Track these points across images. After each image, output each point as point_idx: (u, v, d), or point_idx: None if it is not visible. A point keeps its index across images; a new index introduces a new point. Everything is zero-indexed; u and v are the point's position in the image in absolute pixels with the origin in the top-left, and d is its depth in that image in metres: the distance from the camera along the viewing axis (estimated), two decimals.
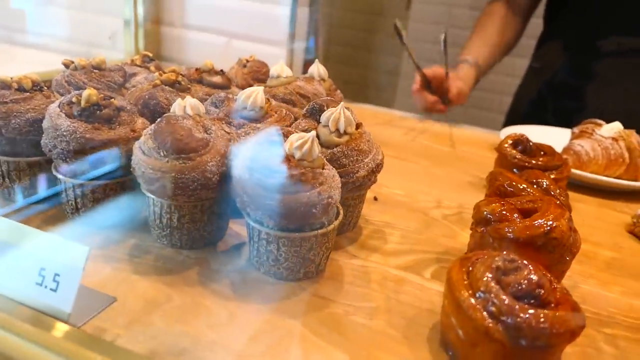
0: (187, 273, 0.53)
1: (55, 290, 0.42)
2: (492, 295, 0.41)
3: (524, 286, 0.42)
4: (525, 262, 0.44)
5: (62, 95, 0.66)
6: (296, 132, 0.52)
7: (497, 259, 0.44)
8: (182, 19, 1.39)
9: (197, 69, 0.74)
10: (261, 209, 0.48)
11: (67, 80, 0.66)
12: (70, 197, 0.57)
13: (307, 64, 1.36)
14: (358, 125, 0.61)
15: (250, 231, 0.52)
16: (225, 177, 0.51)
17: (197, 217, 0.54)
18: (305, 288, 0.52)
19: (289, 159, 0.48)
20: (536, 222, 0.51)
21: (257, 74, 0.83)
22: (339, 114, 0.58)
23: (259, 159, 0.47)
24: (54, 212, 0.61)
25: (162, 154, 0.49)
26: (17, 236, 0.45)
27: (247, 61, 0.85)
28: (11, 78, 0.59)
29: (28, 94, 0.58)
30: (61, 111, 0.54)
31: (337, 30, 2.07)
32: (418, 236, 0.66)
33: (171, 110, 0.54)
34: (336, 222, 0.52)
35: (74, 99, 0.54)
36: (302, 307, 0.49)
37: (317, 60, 0.81)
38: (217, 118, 0.55)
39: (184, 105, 0.53)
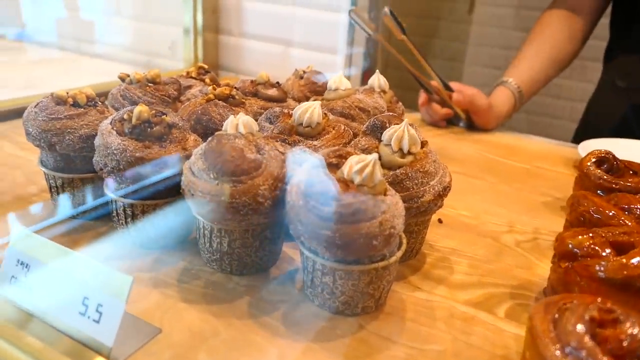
0: (236, 303, 0.49)
1: (97, 322, 0.40)
2: (586, 353, 0.35)
3: (625, 343, 0.35)
4: (627, 313, 0.37)
5: (116, 109, 0.65)
6: (356, 152, 0.48)
7: (591, 307, 0.38)
8: (240, 28, 1.39)
9: (252, 82, 0.72)
10: (316, 239, 0.43)
11: (122, 94, 0.65)
12: (120, 215, 0.55)
13: (366, 73, 1.31)
14: (423, 144, 0.56)
15: (305, 261, 0.48)
16: (278, 201, 0.47)
17: (248, 242, 0.51)
18: (364, 325, 0.47)
19: (347, 184, 0.43)
20: (634, 259, 0.44)
21: (314, 85, 0.79)
22: (402, 132, 0.52)
23: (314, 183, 0.43)
24: (105, 229, 0.59)
25: (212, 176, 0.46)
26: (63, 261, 0.43)
27: (304, 72, 0.81)
28: (67, 93, 0.58)
29: (82, 109, 0.57)
30: (112, 128, 0.52)
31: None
32: (488, 266, 0.60)
33: (223, 128, 0.51)
34: (399, 254, 0.47)
35: (125, 116, 0.52)
36: (361, 348, 0.45)
37: (377, 71, 0.77)
38: (270, 136, 0.51)
39: (237, 123, 0.50)
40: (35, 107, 0.57)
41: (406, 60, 0.99)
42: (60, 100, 0.57)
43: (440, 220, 0.69)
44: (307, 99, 0.78)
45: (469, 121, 1.10)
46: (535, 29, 1.14)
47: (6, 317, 0.43)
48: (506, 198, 0.79)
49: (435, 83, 1.04)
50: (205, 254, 0.53)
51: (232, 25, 1.40)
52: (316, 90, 0.79)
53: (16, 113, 0.95)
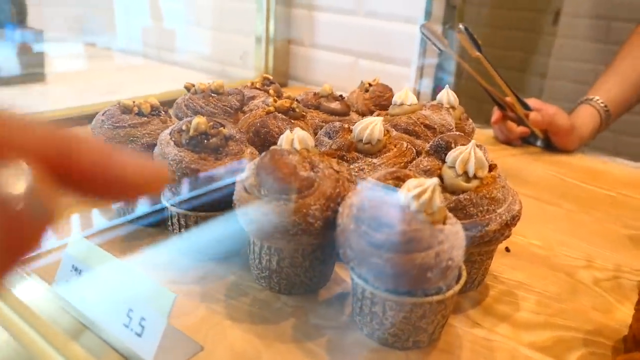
0: (282, 324, 0.47)
1: (140, 335, 0.40)
2: None
3: None
4: None
5: (180, 118, 0.66)
6: (415, 175, 0.45)
7: None
8: (311, 38, 1.39)
9: (315, 94, 0.70)
10: (366, 266, 0.41)
11: (186, 104, 0.66)
12: (174, 225, 0.55)
13: (437, 87, 1.27)
14: (491, 167, 0.51)
15: (354, 287, 0.45)
16: (330, 221, 0.45)
17: (297, 262, 0.49)
18: None
19: (403, 210, 0.40)
20: None
21: (380, 99, 0.76)
22: (468, 154, 0.49)
23: (367, 207, 0.41)
24: (160, 237, 0.60)
25: (262, 192, 0.45)
26: (113, 270, 0.43)
27: (370, 85, 0.79)
28: (133, 102, 0.60)
29: (146, 118, 0.58)
30: (171, 139, 0.52)
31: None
32: (560, 305, 0.54)
33: (278, 143, 0.49)
34: (456, 287, 0.44)
35: (183, 127, 0.52)
36: None
37: (447, 86, 0.73)
38: (327, 152, 0.49)
39: (292, 138, 0.48)
40: (102, 115, 0.59)
41: (480, 75, 0.94)
42: (126, 109, 0.58)
43: (507, 249, 0.64)
44: (372, 112, 0.75)
45: (548, 141, 1.03)
46: (627, 43, 1.05)
47: (56, 322, 0.43)
48: (585, 228, 0.72)
49: (510, 99, 0.98)
50: (254, 270, 0.52)
51: (303, 35, 1.40)
52: (381, 104, 0.76)
53: (92, 117, 1.00)
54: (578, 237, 0.69)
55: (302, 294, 0.52)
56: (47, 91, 1.34)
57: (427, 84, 1.21)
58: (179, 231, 0.55)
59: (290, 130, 0.50)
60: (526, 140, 1.06)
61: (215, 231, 0.54)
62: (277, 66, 1.42)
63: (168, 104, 1.12)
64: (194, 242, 0.54)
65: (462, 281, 0.45)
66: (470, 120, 0.75)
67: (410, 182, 0.41)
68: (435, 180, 0.41)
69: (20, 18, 1.35)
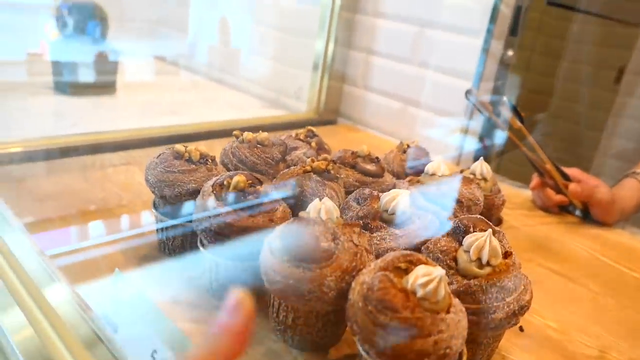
0: None
1: None
2: None
3: None
4: None
5: (225, 164, 0.72)
6: (427, 260, 0.48)
7: None
8: (365, 80, 1.43)
9: (352, 153, 0.74)
10: (368, 343, 0.44)
11: (232, 151, 0.71)
12: (207, 268, 0.60)
13: (483, 146, 1.28)
14: (507, 255, 0.53)
15: (359, 355, 0.48)
16: (344, 292, 0.49)
17: (311, 322, 0.53)
18: None
19: (408, 295, 0.43)
20: None
21: (416, 163, 0.80)
22: (483, 241, 0.51)
23: (375, 288, 0.44)
24: (194, 274, 0.65)
25: (285, 257, 0.49)
26: (143, 310, 0.48)
27: (408, 146, 0.82)
28: (185, 148, 0.66)
29: (194, 166, 0.64)
30: (212, 191, 0.58)
31: (529, 95, 1.90)
32: None
33: (307, 209, 0.54)
34: None
35: (225, 182, 0.58)
36: None
37: (481, 158, 0.75)
38: (350, 223, 0.53)
39: (319, 208, 0.52)
40: (157, 158, 0.65)
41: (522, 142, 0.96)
42: (178, 155, 0.64)
43: (521, 329, 0.65)
44: (406, 175, 0.78)
45: (587, 212, 1.02)
46: None
47: (76, 329, 0.49)
48: (607, 315, 0.72)
49: (549, 166, 0.99)
50: (272, 322, 0.56)
51: (357, 76, 1.45)
52: (417, 168, 0.79)
53: (152, 142, 1.08)
54: (598, 323, 0.69)
55: (314, 350, 0.55)
56: (115, 105, 1.45)
57: (471, 141, 1.23)
58: (209, 275, 0.60)
59: (320, 198, 0.54)
60: (565, 209, 1.05)
61: (242, 280, 0.59)
62: (328, 103, 1.47)
63: (219, 133, 1.19)
64: (222, 288, 0.59)
65: None
66: (502, 193, 0.77)
67: (420, 270, 0.45)
68: (441, 272, 0.44)
69: (102, 31, 1.47)
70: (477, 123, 1.27)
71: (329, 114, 1.49)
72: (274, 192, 0.59)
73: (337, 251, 0.49)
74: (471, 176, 0.73)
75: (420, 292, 0.43)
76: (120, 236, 0.72)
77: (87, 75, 1.46)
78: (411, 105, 1.34)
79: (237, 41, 1.88)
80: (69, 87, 1.39)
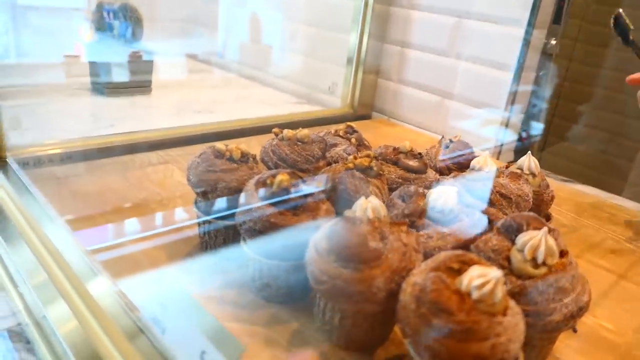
0: None
1: None
2: None
3: None
4: None
5: (265, 162, 0.71)
6: (480, 260, 0.46)
7: None
8: (400, 74, 1.41)
9: (394, 149, 0.73)
10: (421, 346, 0.42)
11: (272, 149, 0.71)
12: (250, 268, 0.60)
13: (523, 139, 1.24)
14: (563, 254, 0.51)
15: (409, 357, 0.47)
16: (393, 292, 0.47)
17: (358, 322, 0.51)
18: None
19: (463, 297, 0.42)
20: None
21: (459, 157, 0.77)
22: (538, 240, 0.49)
23: (429, 290, 0.43)
24: (235, 275, 0.64)
25: (331, 257, 0.48)
26: (192, 313, 0.48)
27: (451, 141, 0.80)
28: (226, 146, 0.65)
29: (235, 164, 0.63)
30: (256, 190, 0.57)
31: (573, 85, 1.83)
32: None
33: (352, 208, 0.52)
34: None
35: (268, 181, 0.57)
36: None
37: (529, 152, 0.72)
38: (397, 222, 0.51)
39: (366, 207, 0.51)
40: (198, 157, 0.65)
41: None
42: (219, 154, 0.64)
43: (574, 330, 0.62)
44: (450, 171, 0.76)
45: None
46: None
47: (137, 347, 0.49)
48: None
49: None
50: (317, 322, 0.55)
51: (392, 70, 1.43)
52: (460, 163, 0.77)
53: (189, 140, 1.09)
54: None
55: (360, 351, 0.54)
56: (151, 104, 1.47)
57: (510, 134, 1.20)
58: (253, 275, 0.59)
59: (365, 197, 0.52)
60: None
61: (286, 279, 0.58)
62: (363, 98, 1.45)
63: (255, 130, 1.19)
64: (265, 287, 0.59)
65: None
66: (551, 188, 0.74)
67: (474, 270, 0.43)
68: (498, 273, 0.42)
69: (136, 32, 1.49)
70: (517, 116, 1.23)
71: (364, 108, 1.47)
72: (317, 190, 0.58)
73: (386, 251, 0.48)
74: (518, 171, 0.70)
75: (475, 294, 0.42)
76: (161, 233, 0.72)
77: (122, 76, 1.48)
78: (448, 98, 1.31)
79: (268, 37, 1.88)
80: (105, 88, 1.42)
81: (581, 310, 0.50)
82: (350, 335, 0.53)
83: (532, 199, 0.67)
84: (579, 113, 1.76)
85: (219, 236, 0.66)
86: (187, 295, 0.50)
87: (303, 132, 0.71)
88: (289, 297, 0.60)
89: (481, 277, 0.42)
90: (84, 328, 0.51)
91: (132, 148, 1.01)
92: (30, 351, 0.54)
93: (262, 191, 0.57)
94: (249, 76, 1.90)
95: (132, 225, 0.76)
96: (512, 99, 1.18)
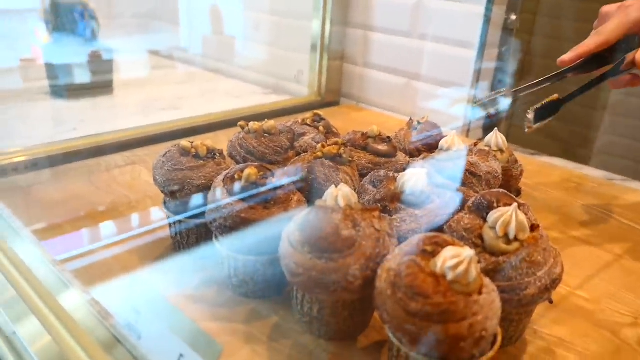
0: None
1: None
2: None
3: None
4: None
5: (233, 156, 0.70)
6: (454, 241, 0.46)
7: None
8: (365, 58, 1.40)
9: (363, 134, 0.72)
10: (401, 331, 0.42)
11: (239, 143, 0.69)
12: (224, 265, 0.59)
13: (490, 115, 1.25)
14: (534, 228, 0.52)
15: (390, 343, 0.47)
16: (369, 280, 0.47)
17: (337, 312, 0.51)
18: None
19: (438, 279, 0.42)
20: None
21: (428, 139, 0.77)
22: (510, 216, 0.49)
23: (404, 275, 0.42)
24: (210, 273, 0.63)
25: (306, 249, 0.47)
26: (168, 315, 0.47)
27: (419, 123, 0.80)
28: (191, 144, 0.64)
29: (202, 161, 0.62)
30: (224, 186, 0.56)
31: (536, 59, 1.85)
32: None
33: (323, 197, 0.52)
34: (490, 354, 0.44)
35: (235, 176, 0.56)
36: None
37: (496, 129, 0.73)
38: (369, 208, 0.51)
39: (336, 195, 0.50)
40: (163, 156, 0.63)
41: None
42: (184, 151, 0.62)
43: (550, 301, 0.63)
44: (419, 152, 0.76)
45: None
46: None
47: (94, 333, 0.48)
48: (636, 279, 0.70)
49: None
50: (296, 315, 0.55)
51: (357, 54, 1.42)
52: (429, 144, 0.77)
53: (155, 139, 1.06)
54: (629, 289, 0.68)
55: (342, 339, 0.54)
56: (114, 104, 1.43)
57: (479, 112, 1.20)
58: (228, 272, 0.58)
59: (336, 185, 0.52)
60: None
61: (262, 274, 0.57)
62: (330, 84, 1.44)
63: (223, 124, 1.17)
64: (242, 284, 0.58)
65: (496, 347, 0.45)
66: (519, 163, 0.75)
67: (448, 252, 0.43)
68: (471, 252, 0.42)
69: (93, 30, 1.45)
70: (483, 93, 1.24)
71: (331, 95, 1.46)
72: (287, 182, 0.58)
73: (359, 238, 0.47)
74: (486, 148, 0.70)
75: (450, 275, 0.42)
76: (132, 237, 0.70)
77: (82, 77, 1.43)
78: (414, 80, 1.31)
79: (231, 29, 1.85)
80: (65, 91, 1.37)
81: (554, 282, 0.50)
82: (330, 325, 0.53)
83: (501, 175, 0.67)
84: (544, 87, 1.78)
85: (191, 235, 0.65)
86: (162, 298, 0.49)
87: (269, 123, 0.70)
88: (267, 292, 0.59)
89: (455, 258, 0.42)
90: (58, 343, 0.49)
91: (98, 151, 0.98)
92: None
93: (230, 186, 0.56)
94: (213, 69, 1.87)
95: (101, 230, 0.74)
96: (477, 76, 1.19)
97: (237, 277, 0.58)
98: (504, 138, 0.73)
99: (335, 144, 0.63)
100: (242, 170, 0.56)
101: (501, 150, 0.72)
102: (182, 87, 1.72)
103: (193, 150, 0.63)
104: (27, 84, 1.49)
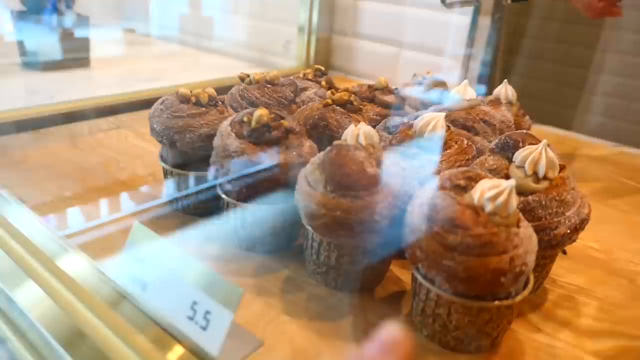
0: (340, 322, 0.47)
1: (205, 329, 0.40)
2: None
3: None
4: None
5: (235, 108, 0.66)
6: (486, 174, 0.43)
7: None
8: (353, 28, 1.37)
9: (369, 86, 0.69)
10: (436, 269, 0.40)
11: (240, 94, 0.65)
12: (230, 217, 0.55)
13: (481, 78, 1.24)
14: (561, 168, 0.49)
15: (417, 287, 0.44)
16: (396, 220, 0.44)
17: (357, 260, 0.48)
18: None
19: (477, 211, 0.39)
20: None
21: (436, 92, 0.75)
22: (539, 154, 0.47)
23: (440, 208, 0.39)
24: (213, 228, 0.60)
25: (328, 188, 0.44)
26: (177, 263, 0.43)
27: (423, 78, 0.77)
28: (190, 91, 0.59)
29: (204, 109, 0.58)
30: (232, 130, 0.52)
31: (520, 40, 1.85)
32: (623, 312, 0.52)
33: (342, 137, 0.49)
34: (525, 292, 0.42)
35: (245, 118, 0.52)
36: None
37: (505, 81, 0.71)
38: (389, 150, 0.48)
39: (357, 133, 0.47)
40: (160, 104, 0.59)
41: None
42: (184, 99, 0.58)
43: (564, 252, 0.62)
44: (426, 106, 0.73)
45: None
46: None
47: (121, 312, 0.44)
48: None
49: None
50: (310, 265, 0.52)
51: (345, 25, 1.38)
52: (437, 96, 0.74)
53: (140, 105, 1.01)
54: (636, 240, 0.67)
55: (358, 290, 0.51)
56: (92, 76, 1.36)
57: (472, 77, 1.19)
58: (234, 224, 0.54)
59: (355, 125, 0.49)
60: None
61: (271, 224, 0.53)
62: (318, 56, 1.40)
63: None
64: (249, 234, 0.54)
65: (530, 286, 0.43)
66: (527, 117, 0.73)
67: (484, 183, 0.40)
68: (512, 182, 0.39)
69: (67, 3, 1.37)
70: (475, 58, 1.22)
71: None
72: (299, 127, 0.54)
73: (385, 176, 0.44)
74: (496, 100, 0.68)
75: (489, 207, 0.39)
76: (127, 198, 0.66)
77: (56, 54, 1.36)
78: (406, 49, 1.28)
79: (208, 4, 1.78)
80: (39, 64, 1.30)
81: (583, 222, 0.48)
82: (348, 275, 0.49)
83: (514, 125, 0.65)
84: (533, 50, 1.78)
85: (191, 188, 0.60)
86: (164, 243, 0.45)
87: (272, 73, 0.66)
88: (275, 245, 0.56)
89: (494, 189, 0.39)
90: (59, 305, 0.45)
91: (79, 116, 0.93)
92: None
93: (239, 130, 0.52)
94: (193, 45, 1.80)
95: (95, 193, 0.69)
96: (472, 43, 1.17)
97: (244, 230, 0.54)
98: (514, 90, 0.70)
99: (346, 90, 0.60)
100: (251, 114, 0.52)
101: (510, 103, 0.70)
102: (163, 61, 1.65)
103: (193, 97, 0.58)
104: None
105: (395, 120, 0.57)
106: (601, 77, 1.19)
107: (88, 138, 0.85)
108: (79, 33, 1.39)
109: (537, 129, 1.07)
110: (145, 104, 1.02)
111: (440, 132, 0.54)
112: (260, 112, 0.50)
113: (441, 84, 0.76)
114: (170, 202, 0.63)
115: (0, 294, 0.49)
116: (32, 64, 1.32)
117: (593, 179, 0.86)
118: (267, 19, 1.55)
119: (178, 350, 0.40)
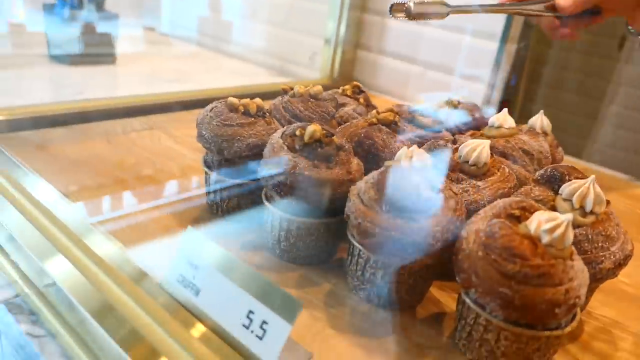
0: (385, 340, 0.47)
1: (261, 339, 0.40)
2: None
3: None
4: None
5: (278, 120, 0.67)
6: (540, 207, 0.44)
7: None
8: (380, 45, 1.38)
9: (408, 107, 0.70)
10: (491, 295, 0.40)
11: (284, 106, 0.66)
12: (275, 228, 0.55)
13: (503, 103, 1.25)
14: (607, 202, 0.50)
15: (465, 310, 0.45)
16: (447, 244, 0.45)
17: (402, 279, 0.49)
18: None
19: (534, 242, 0.40)
20: None
21: (471, 119, 0.76)
22: (587, 188, 0.48)
23: (498, 236, 0.40)
24: (254, 237, 0.60)
25: (384, 208, 0.45)
26: (232, 270, 0.44)
27: (459, 102, 0.78)
28: (239, 101, 0.60)
29: (252, 119, 0.59)
30: (284, 143, 0.53)
31: (541, 68, 1.87)
32: None
33: (396, 158, 0.49)
34: (574, 324, 0.43)
35: (297, 132, 0.53)
36: None
37: (541, 111, 0.72)
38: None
39: (410, 156, 0.48)
40: (210, 111, 0.59)
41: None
42: (232, 107, 0.59)
43: None
44: (460, 131, 0.74)
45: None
46: None
47: (175, 315, 0.44)
48: None
49: None
50: (353, 281, 0.52)
51: (372, 41, 1.40)
52: (471, 123, 0.76)
53: (170, 106, 1.02)
54: None
55: (399, 310, 0.52)
56: (117, 73, 1.37)
57: (494, 102, 1.20)
58: (278, 234, 0.55)
59: (407, 145, 0.49)
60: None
61: (315, 238, 0.54)
62: (343, 69, 1.42)
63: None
64: (293, 247, 0.55)
65: (578, 317, 0.44)
66: (560, 148, 0.74)
67: (541, 215, 0.41)
68: (569, 216, 0.40)
69: (98, 1, 1.39)
70: (499, 85, 1.23)
71: (344, 80, 1.43)
72: (348, 144, 0.55)
73: (439, 199, 0.45)
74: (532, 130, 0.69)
75: (546, 238, 0.40)
76: (166, 200, 0.67)
77: (84, 49, 1.37)
78: (431, 70, 1.30)
79: (228, 8, 1.79)
80: (67, 57, 1.31)
81: (627, 258, 0.49)
82: (391, 293, 0.50)
83: (550, 157, 0.66)
84: (553, 79, 1.80)
85: (233, 198, 0.61)
86: (220, 251, 0.45)
87: (316, 87, 0.67)
88: (315, 258, 0.57)
89: (551, 221, 0.40)
90: (89, 280, 0.46)
91: (112, 114, 0.93)
92: (35, 323, 0.48)
93: (291, 143, 0.53)
94: (212, 47, 1.82)
95: (133, 193, 0.70)
96: (497, 69, 1.19)
97: (287, 241, 0.55)
98: (548, 121, 0.72)
99: (391, 111, 0.61)
100: (303, 128, 0.53)
101: (545, 133, 0.71)
102: (185, 62, 1.66)
103: (241, 107, 0.59)
104: (18, 49, 1.42)
105: (440, 143, 0.58)
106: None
107: (122, 137, 0.86)
108: (107, 29, 1.41)
109: (567, 160, 1.09)
110: (175, 106, 1.04)
111: (485, 159, 0.55)
112: (314, 128, 0.51)
113: (475, 110, 0.77)
114: (211, 207, 0.64)
115: (37, 275, 0.50)
116: (60, 57, 1.33)
117: (621, 211, 0.87)
118: (290, 28, 1.56)
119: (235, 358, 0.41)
